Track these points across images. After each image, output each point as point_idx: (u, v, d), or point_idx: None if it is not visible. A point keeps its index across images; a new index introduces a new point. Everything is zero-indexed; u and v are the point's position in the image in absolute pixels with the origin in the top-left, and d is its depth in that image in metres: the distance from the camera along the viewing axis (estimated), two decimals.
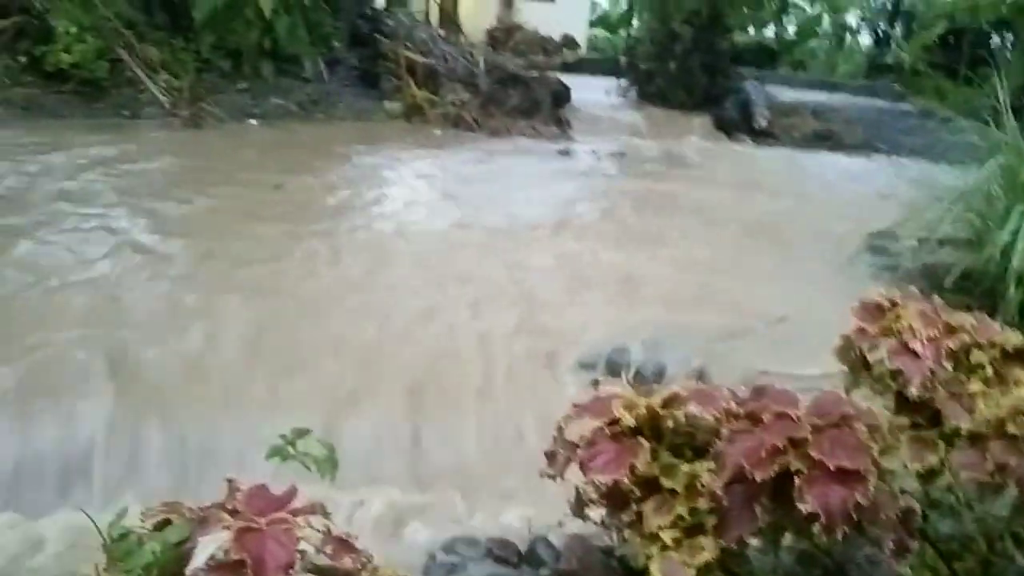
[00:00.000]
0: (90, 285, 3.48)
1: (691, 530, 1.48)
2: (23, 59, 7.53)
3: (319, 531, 1.18)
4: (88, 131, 6.66)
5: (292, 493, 1.19)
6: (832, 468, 1.38)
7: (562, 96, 9.81)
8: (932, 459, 1.60)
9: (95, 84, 7.57)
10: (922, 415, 1.66)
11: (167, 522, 1.23)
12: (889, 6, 16.71)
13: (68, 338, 2.94)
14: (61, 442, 2.46)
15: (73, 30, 7.38)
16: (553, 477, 1.68)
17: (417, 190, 6.20)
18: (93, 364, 2.77)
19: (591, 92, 10.67)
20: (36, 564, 2.00)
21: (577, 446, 1.56)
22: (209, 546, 1.09)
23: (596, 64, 13.72)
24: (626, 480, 1.49)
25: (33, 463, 2.41)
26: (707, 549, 1.44)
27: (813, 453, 1.39)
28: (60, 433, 2.49)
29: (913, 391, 1.62)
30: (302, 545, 1.15)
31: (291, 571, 1.08)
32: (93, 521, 1.23)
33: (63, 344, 2.89)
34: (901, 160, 6.19)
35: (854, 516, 1.36)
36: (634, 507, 1.52)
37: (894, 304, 1.75)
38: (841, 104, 11.29)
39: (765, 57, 16.04)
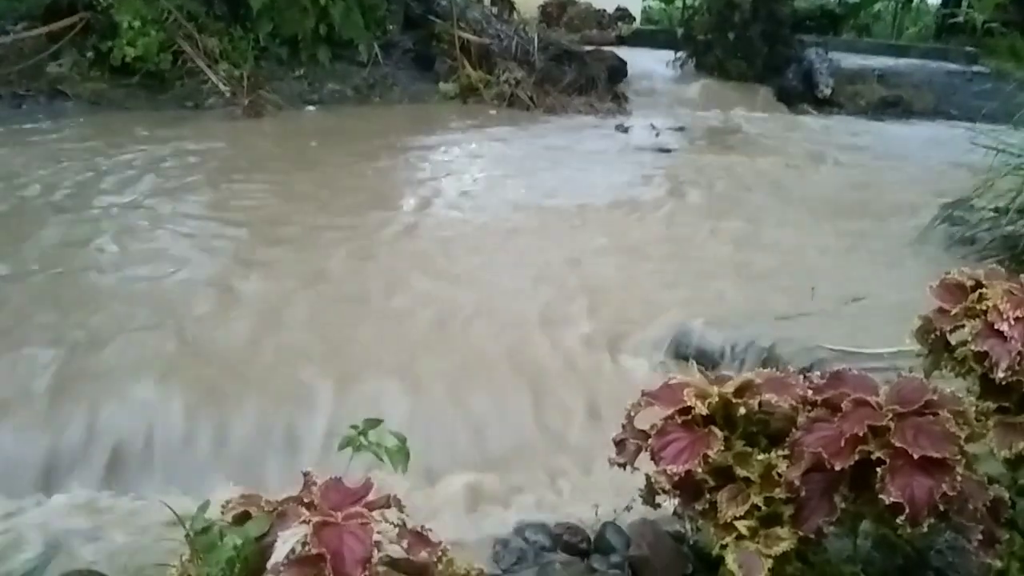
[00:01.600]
0: None
1: (767, 519, 1.45)
2: (90, 54, 7.76)
3: (395, 524, 1.19)
4: (155, 124, 6.83)
5: (367, 486, 1.20)
6: (916, 457, 1.33)
7: (618, 71, 9.67)
8: (1021, 444, 1.54)
9: (159, 76, 7.76)
10: (1010, 399, 1.59)
11: (246, 515, 1.26)
12: None
13: None
14: None
15: (137, 24, 7.56)
16: (623, 466, 1.67)
17: (473, 171, 6.19)
18: None
19: (648, 65, 10.49)
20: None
21: (648, 435, 1.55)
22: (288, 540, 1.11)
23: (652, 36, 13.45)
24: (699, 470, 1.47)
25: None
26: (784, 539, 1.41)
27: (895, 442, 1.35)
28: None
29: (1000, 374, 1.55)
30: (378, 538, 1.16)
31: (368, 565, 1.09)
32: (175, 513, 1.26)
33: None
34: (975, 125, 5.92)
35: (940, 507, 1.32)
36: (707, 496, 1.50)
37: (978, 283, 1.68)
38: (909, 68, 10.86)
39: (828, 23, 15.49)
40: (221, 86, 7.80)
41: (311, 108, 8.16)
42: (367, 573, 1.09)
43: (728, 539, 1.43)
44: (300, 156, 6.35)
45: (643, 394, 1.61)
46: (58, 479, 2.34)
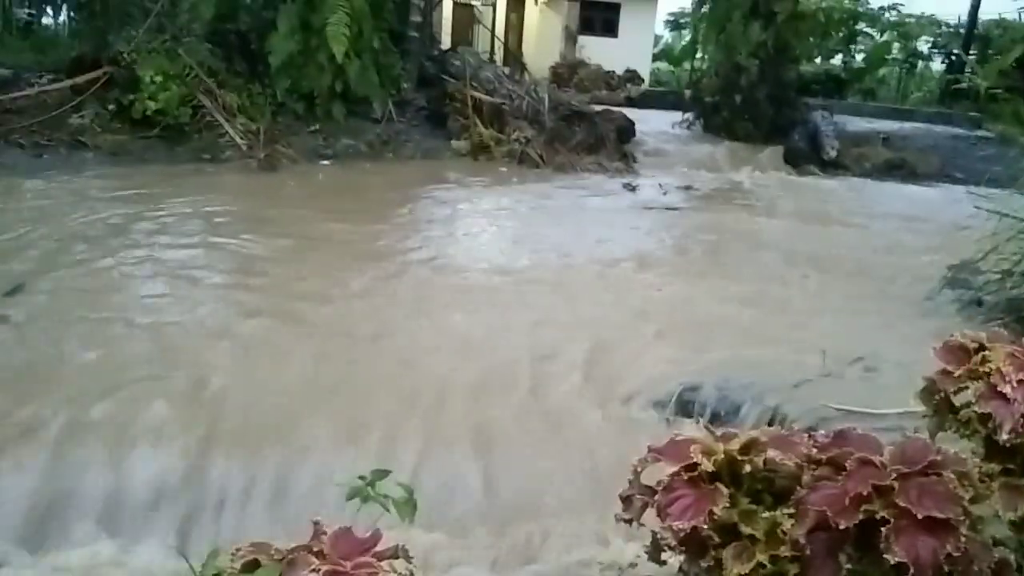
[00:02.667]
0: None
1: None
2: (112, 107, 7.96)
3: (402, 575, 1.20)
4: (171, 177, 6.97)
5: (376, 537, 1.21)
6: (920, 517, 1.34)
7: (627, 131, 9.84)
8: None
9: (178, 129, 7.95)
10: (1014, 461, 1.60)
11: (256, 563, 1.27)
12: (962, 30, 16.31)
13: None
14: None
15: (159, 79, 7.77)
16: (629, 521, 1.67)
17: (484, 228, 6.28)
18: None
19: (656, 126, 10.68)
20: None
21: (654, 491, 1.56)
22: None
23: (660, 98, 13.72)
24: (705, 526, 1.47)
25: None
26: None
27: (900, 501, 1.35)
28: None
29: (1004, 436, 1.56)
30: None
31: None
32: (187, 561, 1.28)
33: None
34: (979, 189, 5.99)
35: (945, 568, 1.32)
36: (713, 553, 1.50)
37: (980, 346, 1.71)
38: (914, 132, 11.03)
39: (833, 86, 15.79)
40: (238, 140, 7.97)
41: (325, 163, 8.31)
42: None
43: None
44: (306, 212, 6.45)
45: (649, 450, 1.62)
46: None
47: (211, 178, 7.17)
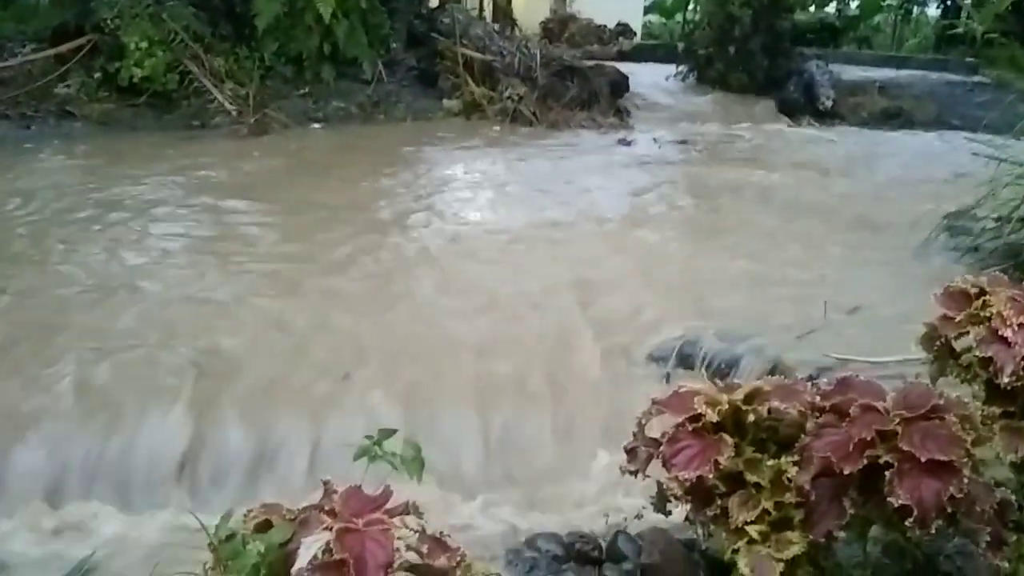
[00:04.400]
0: None
1: (778, 524, 1.48)
2: (98, 75, 7.84)
3: (414, 530, 1.21)
4: (162, 145, 6.90)
5: (387, 494, 1.23)
6: (923, 461, 1.36)
7: (620, 85, 9.74)
8: None
9: (166, 96, 7.84)
10: (1015, 404, 1.62)
11: (268, 523, 1.28)
12: None
13: None
14: None
15: (144, 45, 7.64)
16: (634, 473, 1.69)
17: (478, 188, 6.24)
18: None
19: (649, 80, 10.56)
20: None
21: (659, 442, 1.58)
22: (312, 546, 1.13)
23: (653, 51, 13.56)
24: (710, 476, 1.49)
25: None
26: (795, 543, 1.44)
27: (903, 446, 1.37)
28: None
29: (1005, 379, 1.58)
30: (398, 544, 1.19)
31: (390, 570, 1.12)
32: (201, 522, 1.29)
33: None
34: (976, 135, 5.95)
35: (948, 509, 1.34)
36: (718, 502, 1.53)
37: (981, 291, 1.71)
38: (910, 80, 10.92)
39: (828, 35, 15.62)
40: (227, 105, 7.88)
41: (316, 126, 8.23)
42: None
43: (740, 544, 1.46)
44: (309, 172, 6.41)
45: (653, 402, 1.63)
46: None
47: (201, 145, 7.10)
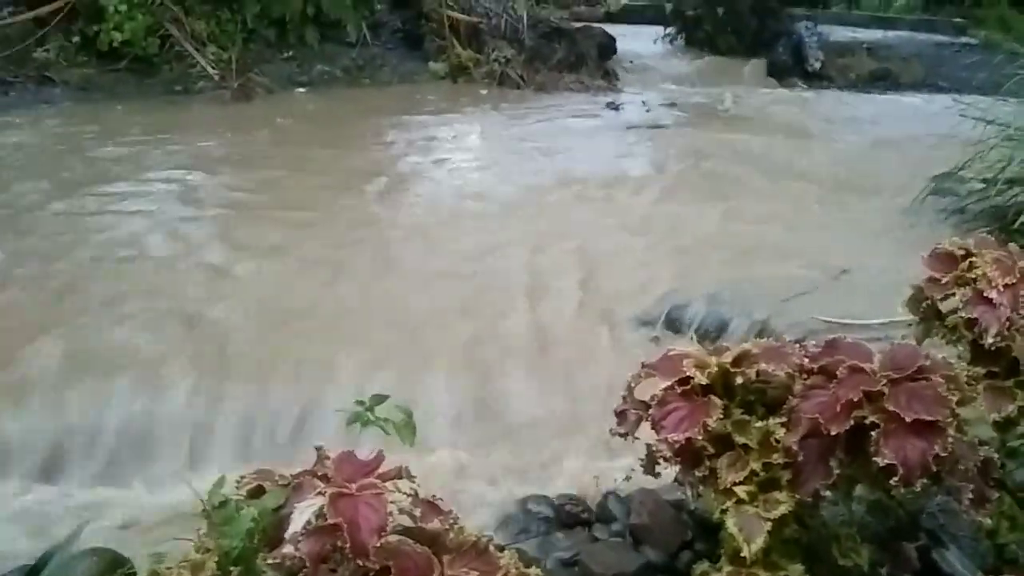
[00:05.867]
0: None
1: (765, 484, 1.50)
2: (77, 39, 7.68)
3: (407, 494, 1.22)
4: (144, 110, 6.80)
5: (379, 458, 1.24)
6: (909, 420, 1.38)
7: (608, 47, 9.63)
8: (1010, 408, 1.59)
9: (147, 61, 7.70)
10: (999, 364, 1.64)
11: (260, 489, 1.29)
12: None
13: None
14: None
15: (123, 8, 7.48)
16: (624, 436, 1.71)
17: (465, 153, 6.20)
18: None
19: (637, 42, 10.45)
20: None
21: (648, 405, 1.59)
22: (305, 511, 1.14)
23: (640, 12, 13.36)
24: (699, 437, 1.51)
25: None
26: (783, 502, 1.46)
27: (889, 406, 1.39)
28: None
29: (990, 340, 1.60)
30: (391, 508, 1.20)
31: (383, 533, 1.13)
32: (193, 490, 1.30)
33: None
34: (964, 97, 5.95)
35: (933, 468, 1.36)
36: (707, 463, 1.55)
37: (968, 252, 1.72)
38: (898, 41, 10.86)
39: None
40: (210, 70, 7.75)
41: (301, 90, 8.12)
42: (382, 541, 1.13)
43: (728, 504, 1.48)
44: (290, 143, 6.34)
45: (643, 365, 1.64)
46: None
47: (184, 110, 7.02)
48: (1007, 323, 1.59)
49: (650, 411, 1.56)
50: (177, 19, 7.87)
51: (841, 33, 10.88)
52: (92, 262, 3.55)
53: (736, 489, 1.47)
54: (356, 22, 8.91)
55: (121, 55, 7.59)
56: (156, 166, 5.18)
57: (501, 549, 1.28)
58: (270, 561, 1.16)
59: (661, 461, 1.63)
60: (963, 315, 1.63)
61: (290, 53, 8.52)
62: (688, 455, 1.54)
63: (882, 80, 9.72)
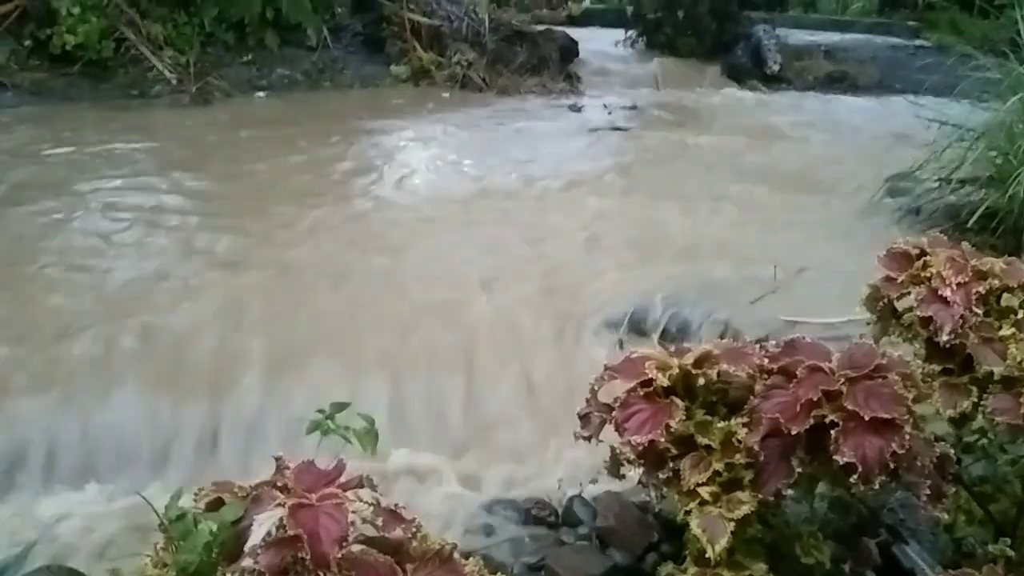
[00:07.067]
0: None
1: (728, 485, 1.51)
2: (28, 43, 7.50)
3: (368, 503, 1.21)
4: (97, 115, 6.67)
5: (340, 468, 1.22)
6: (867, 419, 1.39)
7: (570, 50, 9.66)
8: (965, 404, 1.61)
9: (102, 65, 7.53)
10: (953, 361, 1.67)
11: (219, 501, 1.26)
12: None
13: None
14: None
15: (76, 10, 7.32)
16: (588, 439, 1.71)
17: (428, 157, 6.17)
18: None
19: (599, 45, 10.49)
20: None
21: (611, 407, 1.59)
22: (264, 523, 1.12)
23: (602, 16, 13.43)
24: (662, 439, 1.51)
25: None
26: (745, 502, 1.47)
27: (848, 405, 1.41)
28: None
29: (944, 337, 1.63)
30: (352, 518, 1.18)
31: (344, 544, 1.11)
32: (150, 504, 1.27)
33: None
34: (918, 99, 6.07)
35: (891, 465, 1.38)
36: (671, 465, 1.55)
37: (922, 252, 1.75)
38: (854, 44, 11.04)
39: None
40: (167, 73, 7.63)
41: (261, 94, 8.03)
42: (343, 552, 1.11)
43: (692, 505, 1.49)
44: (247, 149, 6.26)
45: (605, 368, 1.65)
46: None
47: (140, 115, 6.89)
48: (961, 321, 1.62)
49: (613, 413, 1.56)
50: (132, 22, 7.73)
51: (799, 36, 11.04)
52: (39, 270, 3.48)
53: (699, 490, 1.48)
54: (316, 25, 8.83)
55: (75, 58, 7.43)
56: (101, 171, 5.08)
57: (466, 556, 1.27)
58: (229, 575, 1.13)
59: (625, 463, 1.63)
60: (918, 313, 1.66)
61: (249, 57, 8.41)
62: (651, 457, 1.55)
63: (839, 82, 9.88)
